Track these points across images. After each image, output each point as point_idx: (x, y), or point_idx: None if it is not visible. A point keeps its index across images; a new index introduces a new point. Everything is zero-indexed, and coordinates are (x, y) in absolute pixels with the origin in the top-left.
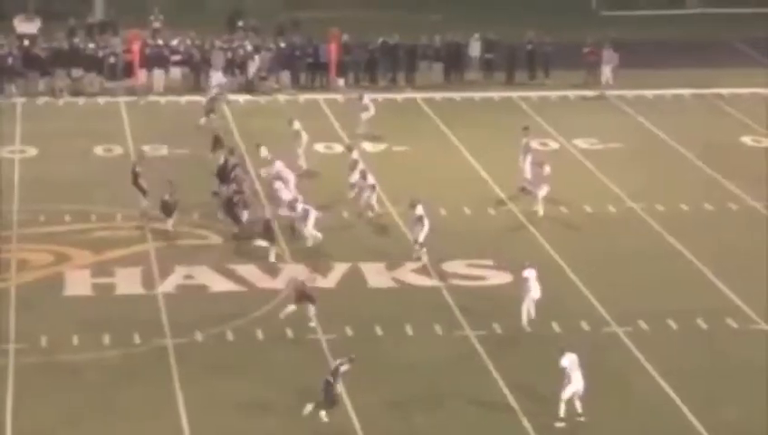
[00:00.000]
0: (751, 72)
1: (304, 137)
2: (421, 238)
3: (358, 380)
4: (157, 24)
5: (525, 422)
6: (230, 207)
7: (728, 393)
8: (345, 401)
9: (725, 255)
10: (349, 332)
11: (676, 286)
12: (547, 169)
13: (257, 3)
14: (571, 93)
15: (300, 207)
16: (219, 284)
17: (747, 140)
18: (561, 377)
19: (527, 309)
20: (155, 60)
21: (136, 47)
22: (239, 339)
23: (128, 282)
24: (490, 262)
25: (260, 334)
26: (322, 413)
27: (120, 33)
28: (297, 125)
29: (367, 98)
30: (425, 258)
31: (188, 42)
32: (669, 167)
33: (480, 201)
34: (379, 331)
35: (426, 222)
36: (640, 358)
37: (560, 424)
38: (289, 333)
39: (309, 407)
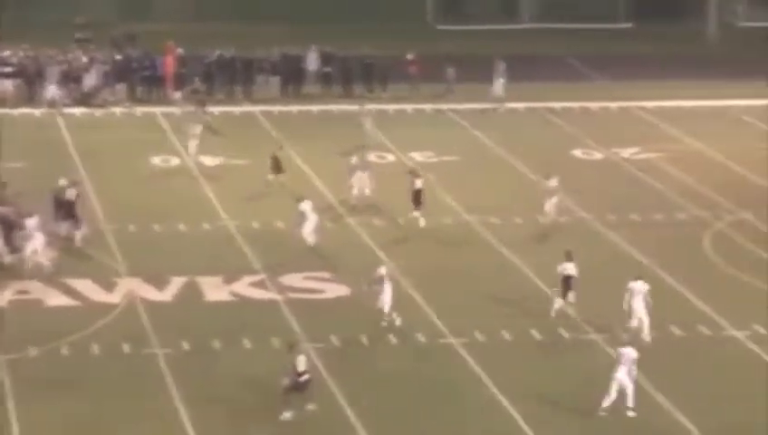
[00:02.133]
0: (581, 87)
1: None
2: (306, 233)
3: (195, 392)
4: None
5: None
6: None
7: (562, 403)
8: (183, 414)
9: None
10: (185, 346)
11: (510, 298)
12: (554, 181)
13: (92, 15)
14: (408, 106)
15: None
16: (54, 298)
17: (578, 152)
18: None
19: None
20: None
21: None
22: (74, 354)
23: None
24: (327, 274)
25: (96, 349)
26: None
27: None
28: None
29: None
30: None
31: (21, 54)
32: (503, 179)
33: (317, 214)
34: (216, 344)
35: (312, 218)
36: (476, 369)
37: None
38: (125, 347)
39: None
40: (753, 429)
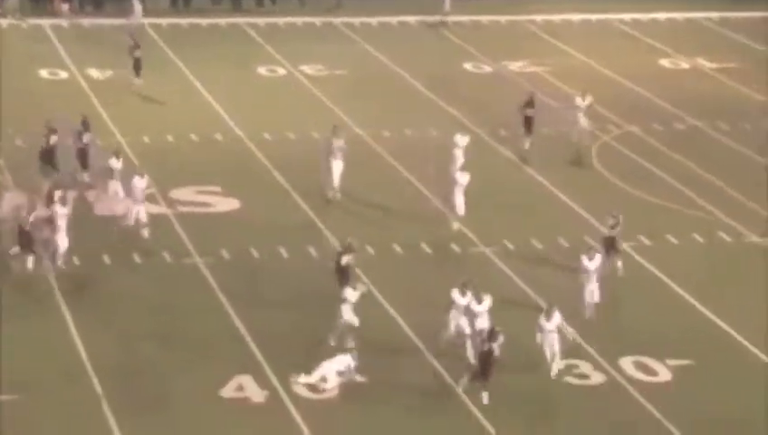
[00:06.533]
0: (471, 1)
1: None
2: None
3: (86, 312)
4: None
5: (258, 354)
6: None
7: None
8: (75, 336)
9: (448, 181)
10: (76, 261)
11: (402, 213)
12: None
13: None
14: (299, 20)
15: None
16: None
17: (469, 66)
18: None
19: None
20: None
21: None
22: None
23: None
24: (218, 188)
25: None
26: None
27: None
28: None
29: None
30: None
31: None
32: (395, 94)
33: (207, 127)
34: (106, 260)
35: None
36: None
37: None
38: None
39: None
40: None
